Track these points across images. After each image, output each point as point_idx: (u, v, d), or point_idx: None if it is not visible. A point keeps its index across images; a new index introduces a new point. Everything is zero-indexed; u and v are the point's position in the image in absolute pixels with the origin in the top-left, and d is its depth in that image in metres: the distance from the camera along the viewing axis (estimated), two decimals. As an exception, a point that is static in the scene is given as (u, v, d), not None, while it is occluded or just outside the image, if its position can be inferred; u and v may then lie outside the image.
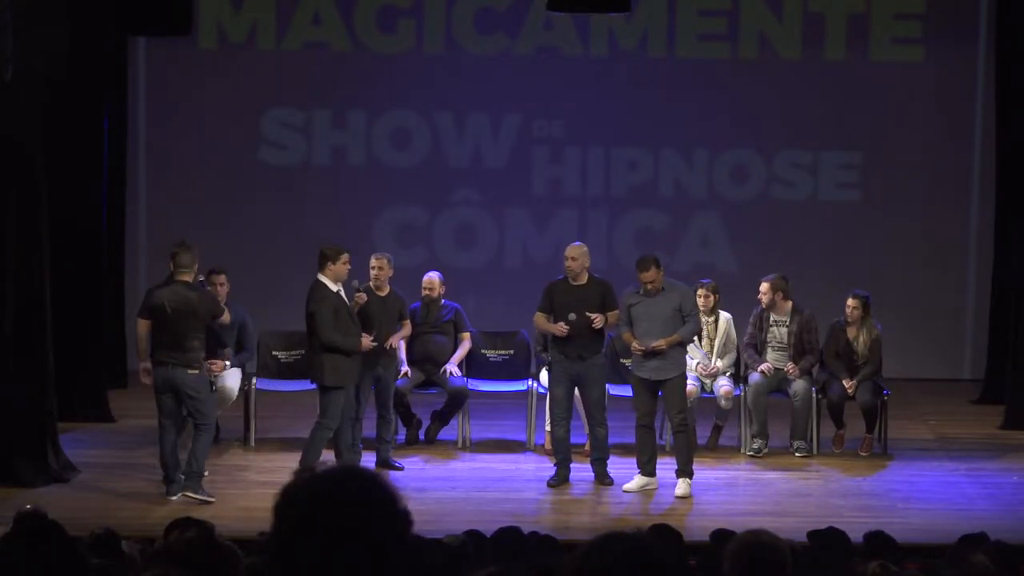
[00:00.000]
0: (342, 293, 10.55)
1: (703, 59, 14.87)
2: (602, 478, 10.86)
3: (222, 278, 11.37)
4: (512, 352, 12.52)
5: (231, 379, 11.43)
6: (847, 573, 6.29)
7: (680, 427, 10.65)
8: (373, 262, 11.36)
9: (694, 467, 10.69)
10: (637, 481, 10.71)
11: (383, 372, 11.17)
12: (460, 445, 11.87)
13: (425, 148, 15.00)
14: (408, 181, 14.98)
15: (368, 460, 10.96)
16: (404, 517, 2.67)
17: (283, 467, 10.95)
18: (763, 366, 11.78)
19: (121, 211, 14.17)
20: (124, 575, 6.04)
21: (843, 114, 14.88)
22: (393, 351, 11.30)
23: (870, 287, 12.35)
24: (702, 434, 11.77)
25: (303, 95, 14.94)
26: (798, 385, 11.75)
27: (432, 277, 12.03)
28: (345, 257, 10.52)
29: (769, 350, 11.89)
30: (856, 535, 7.47)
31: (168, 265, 10.39)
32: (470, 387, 12.02)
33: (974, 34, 14.83)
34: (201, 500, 10.10)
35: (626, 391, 11.40)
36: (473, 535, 7.04)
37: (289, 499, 2.66)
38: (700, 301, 11.47)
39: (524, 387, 12.17)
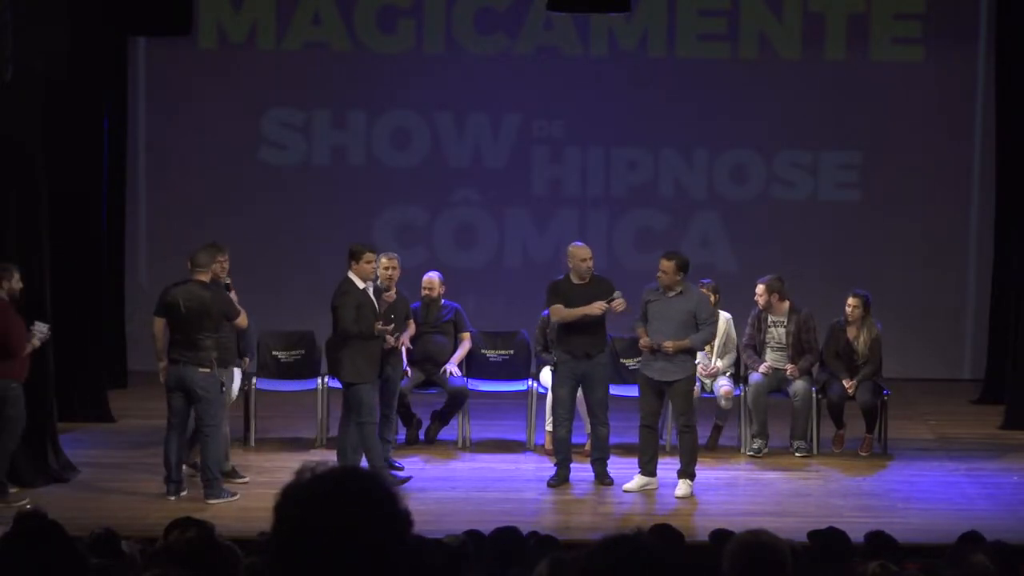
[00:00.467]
0: (369, 291, 10.55)
1: (703, 59, 14.87)
2: (602, 478, 10.86)
3: (223, 256, 10.97)
4: (512, 352, 12.52)
5: (232, 380, 11.42)
6: (847, 573, 6.29)
7: (684, 429, 10.65)
8: (386, 262, 11.16)
9: (695, 468, 10.69)
10: (637, 481, 10.71)
11: (391, 372, 11.16)
12: (460, 445, 11.88)
13: (425, 148, 15.00)
14: (408, 181, 14.97)
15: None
16: (404, 517, 2.68)
17: (283, 467, 10.96)
18: (763, 366, 11.78)
19: (121, 211, 14.18)
20: (124, 575, 6.04)
21: (843, 114, 14.88)
22: (400, 351, 11.31)
23: (870, 287, 12.35)
24: (702, 434, 11.75)
25: (303, 95, 14.94)
26: (798, 385, 11.76)
27: (432, 277, 12.03)
28: (368, 256, 10.53)
29: (768, 351, 11.90)
30: (856, 535, 7.47)
31: (186, 264, 10.42)
32: (470, 387, 12.02)
33: (974, 34, 14.83)
34: (227, 502, 10.12)
35: (627, 391, 11.40)
36: (473, 535, 7.05)
37: (290, 499, 2.66)
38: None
39: (524, 387, 12.18)
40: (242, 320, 10.65)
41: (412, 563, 2.67)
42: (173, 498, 10.19)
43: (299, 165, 15.01)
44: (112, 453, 11.58)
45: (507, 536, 7.02)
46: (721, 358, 11.90)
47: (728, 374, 11.93)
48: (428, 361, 11.87)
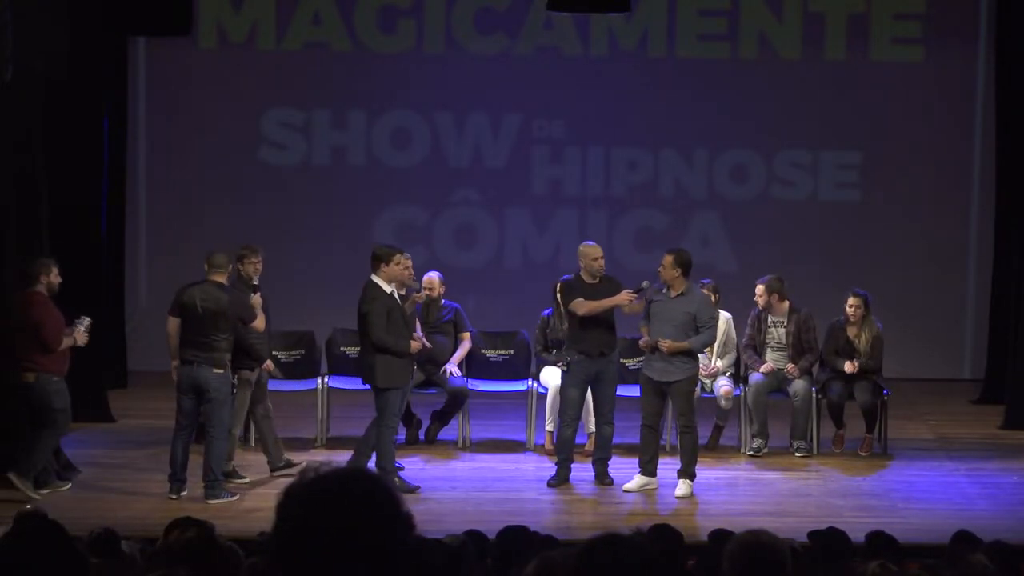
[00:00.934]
0: (395, 294, 10.51)
1: (703, 59, 14.87)
2: (602, 478, 10.85)
3: (257, 257, 10.94)
4: (512, 352, 12.52)
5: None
6: (847, 573, 6.29)
7: (684, 429, 10.65)
8: (409, 263, 10.74)
9: (695, 468, 10.69)
10: (637, 481, 10.71)
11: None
12: (460, 445, 11.87)
13: (425, 148, 15.00)
14: (408, 181, 14.97)
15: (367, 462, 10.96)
16: (406, 519, 2.68)
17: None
18: (764, 367, 11.78)
19: (121, 211, 14.17)
20: (124, 575, 6.04)
21: (843, 114, 14.88)
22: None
23: (870, 287, 12.34)
24: (702, 434, 11.74)
25: (303, 95, 14.94)
26: (798, 385, 11.76)
27: (432, 277, 12.02)
28: (398, 258, 10.42)
29: (768, 351, 11.90)
30: (856, 535, 7.46)
31: (186, 263, 10.41)
32: (470, 387, 12.02)
33: (974, 34, 14.83)
34: (227, 502, 10.14)
35: (628, 391, 11.40)
36: (473, 535, 7.04)
37: (292, 499, 2.66)
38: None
39: (524, 387, 12.18)
40: (259, 323, 10.56)
41: (412, 564, 2.67)
42: (174, 497, 10.19)
43: (299, 165, 15.01)
44: (112, 453, 11.58)
45: (514, 535, 7.01)
46: (721, 358, 11.90)
47: (728, 374, 11.93)
48: (428, 361, 11.85)
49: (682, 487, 10.56)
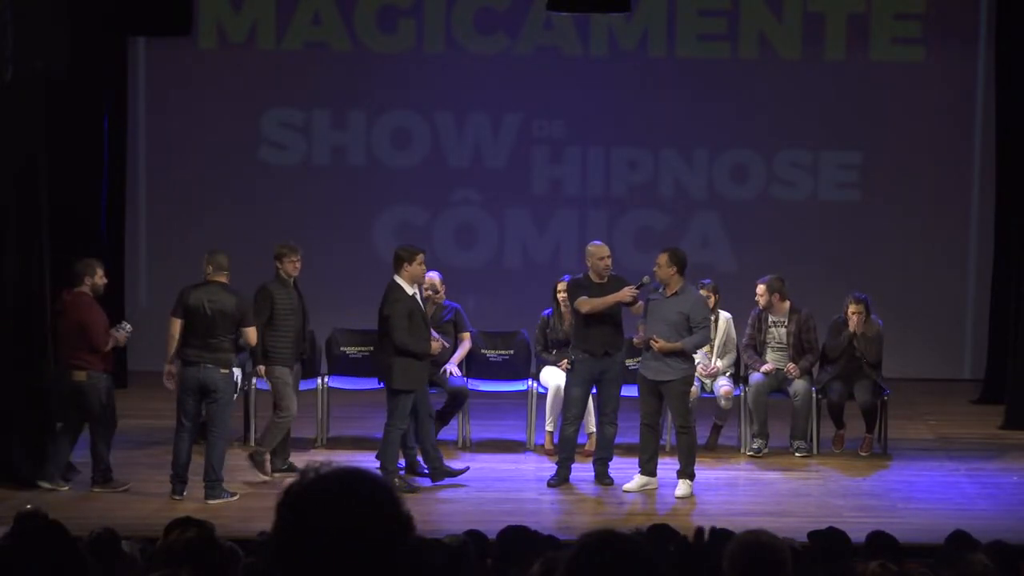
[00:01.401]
0: (417, 296, 10.52)
1: (703, 59, 14.87)
2: (602, 478, 10.85)
3: (297, 256, 10.95)
4: (512, 352, 12.52)
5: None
6: (847, 573, 6.29)
7: (681, 429, 10.65)
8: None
9: (695, 468, 10.69)
10: (637, 481, 10.71)
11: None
12: (460, 445, 11.87)
13: (425, 148, 15.00)
14: (408, 181, 14.97)
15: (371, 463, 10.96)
16: (406, 519, 2.68)
17: (283, 467, 10.96)
18: (764, 366, 11.78)
19: (121, 211, 14.18)
20: (124, 575, 6.04)
21: (843, 114, 14.88)
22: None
23: (870, 287, 12.35)
24: (702, 434, 11.76)
25: (303, 95, 14.94)
26: (798, 385, 11.76)
27: (432, 277, 12.02)
28: (420, 258, 10.48)
29: (768, 351, 11.89)
30: (856, 535, 7.46)
31: (206, 266, 10.37)
32: (470, 387, 12.02)
33: (974, 34, 14.83)
34: (227, 502, 10.15)
35: (627, 391, 11.40)
36: (473, 535, 7.04)
37: (292, 499, 2.67)
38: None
39: (524, 387, 12.18)
40: (251, 335, 10.44)
41: (412, 564, 2.67)
42: (178, 497, 10.19)
43: (299, 165, 15.01)
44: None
45: (514, 535, 7.01)
46: (721, 358, 11.90)
47: (728, 374, 11.93)
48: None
49: (682, 487, 10.56)
